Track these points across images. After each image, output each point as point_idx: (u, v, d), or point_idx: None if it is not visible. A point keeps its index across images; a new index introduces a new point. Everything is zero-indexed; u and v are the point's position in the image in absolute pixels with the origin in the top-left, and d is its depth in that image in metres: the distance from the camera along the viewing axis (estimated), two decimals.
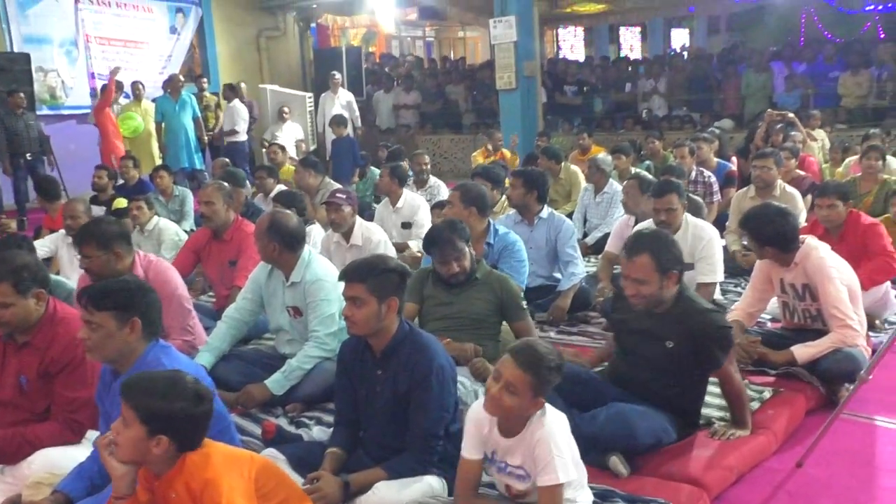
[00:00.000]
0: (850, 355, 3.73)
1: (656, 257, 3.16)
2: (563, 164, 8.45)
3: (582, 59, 19.39)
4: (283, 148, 9.85)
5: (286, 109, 12.05)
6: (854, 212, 5.07)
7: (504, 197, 6.55)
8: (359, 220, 5.39)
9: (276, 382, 3.78)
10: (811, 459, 3.27)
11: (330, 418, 3.51)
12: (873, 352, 3.68)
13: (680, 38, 22.51)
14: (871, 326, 4.47)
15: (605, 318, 4.88)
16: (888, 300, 4.89)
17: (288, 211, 4.25)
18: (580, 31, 21.93)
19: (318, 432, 3.42)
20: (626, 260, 3.24)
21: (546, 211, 5.35)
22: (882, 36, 16.04)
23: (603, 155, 7.96)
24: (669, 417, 3.20)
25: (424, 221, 6.51)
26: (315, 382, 3.77)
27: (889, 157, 7.61)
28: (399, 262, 2.99)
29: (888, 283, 4.94)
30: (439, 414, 2.85)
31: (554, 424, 2.54)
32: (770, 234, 3.95)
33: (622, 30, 21.98)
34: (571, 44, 22.27)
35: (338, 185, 7.03)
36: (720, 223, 6.84)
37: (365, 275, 2.83)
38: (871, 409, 3.77)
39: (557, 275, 5.34)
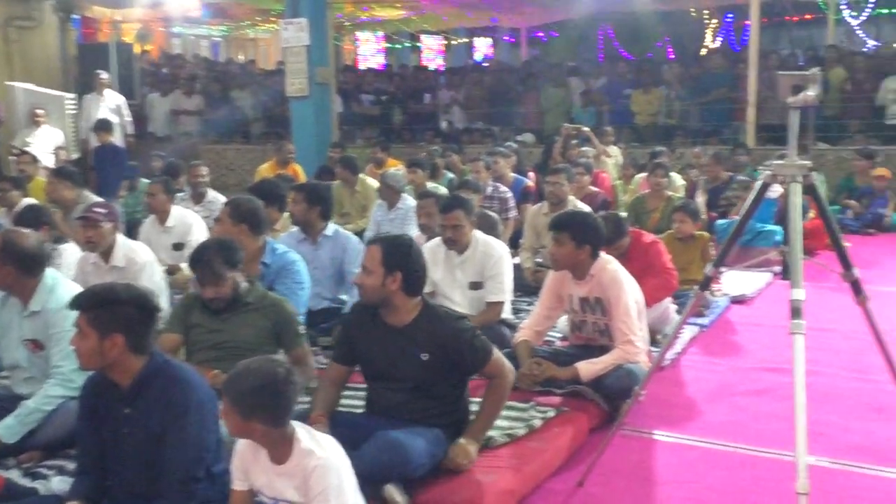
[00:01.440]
0: (631, 371, 4.02)
1: (385, 252, 3.29)
2: (359, 176, 8.52)
3: (381, 67, 19.70)
4: (34, 157, 9.19)
5: (40, 112, 11.26)
6: (635, 230, 5.51)
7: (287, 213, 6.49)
8: (121, 238, 5.13)
9: (7, 428, 3.50)
10: (591, 478, 3.49)
11: (74, 466, 3.30)
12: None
13: (483, 49, 23.48)
14: (654, 342, 4.85)
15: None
16: (668, 315, 5.35)
17: (25, 230, 3.97)
18: (380, 38, 22.30)
19: (59, 483, 3.22)
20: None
21: (331, 228, 5.36)
22: (671, 56, 17.57)
23: (394, 170, 8.10)
24: (439, 433, 3.31)
25: (200, 241, 6.30)
26: (57, 426, 3.54)
27: (673, 174, 8.34)
28: (142, 293, 2.84)
29: (669, 299, 5.40)
30: (198, 454, 2.76)
31: (329, 451, 2.57)
32: (590, 231, 4.23)
33: (425, 38, 22.59)
34: (371, 51, 22.59)
35: (99, 199, 6.65)
36: (517, 239, 7.18)
37: (87, 305, 2.73)
38: (650, 424, 4.09)
39: (344, 297, 5.36)
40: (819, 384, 4.43)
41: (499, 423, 3.65)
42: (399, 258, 3.28)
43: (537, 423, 3.82)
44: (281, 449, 2.59)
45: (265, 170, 9.87)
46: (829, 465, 3.60)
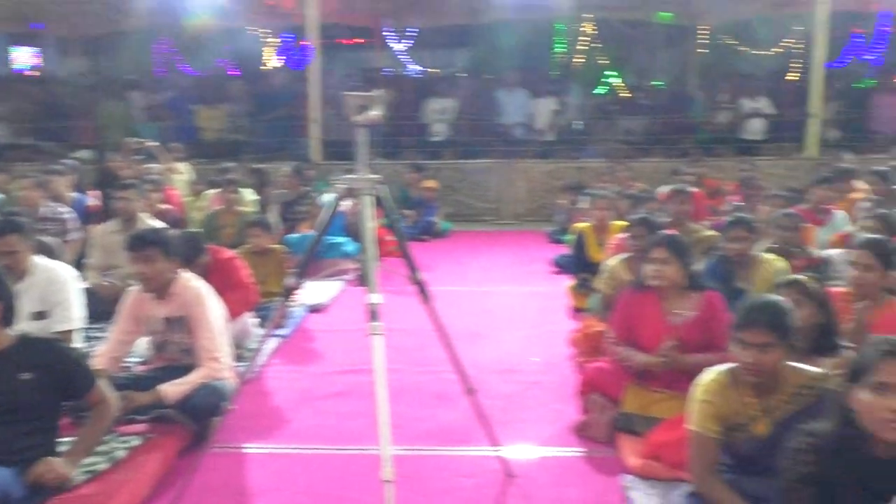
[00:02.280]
0: (217, 388, 4.00)
1: None
2: None
3: None
4: None
5: None
6: (213, 247, 5.49)
7: None
8: None
9: None
10: (184, 500, 3.41)
11: None
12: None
13: (27, 58, 21.39)
14: (236, 357, 4.86)
15: None
16: (248, 329, 5.42)
17: None
18: None
19: None
20: None
21: None
22: (234, 72, 17.68)
23: None
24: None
25: None
26: None
27: (243, 190, 8.44)
28: None
29: (249, 313, 5.47)
30: None
31: None
32: (176, 247, 4.22)
33: None
34: None
35: None
36: (81, 261, 6.69)
37: None
38: (240, 438, 4.11)
39: None
40: (392, 380, 4.80)
41: None
42: None
43: (121, 454, 3.62)
44: None
45: None
46: (407, 452, 3.93)
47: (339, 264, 7.76)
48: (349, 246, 7.95)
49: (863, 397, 2.25)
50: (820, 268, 5.27)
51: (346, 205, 4.29)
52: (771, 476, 2.59)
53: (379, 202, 3.18)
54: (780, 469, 2.39)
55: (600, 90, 14.54)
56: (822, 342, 3.62)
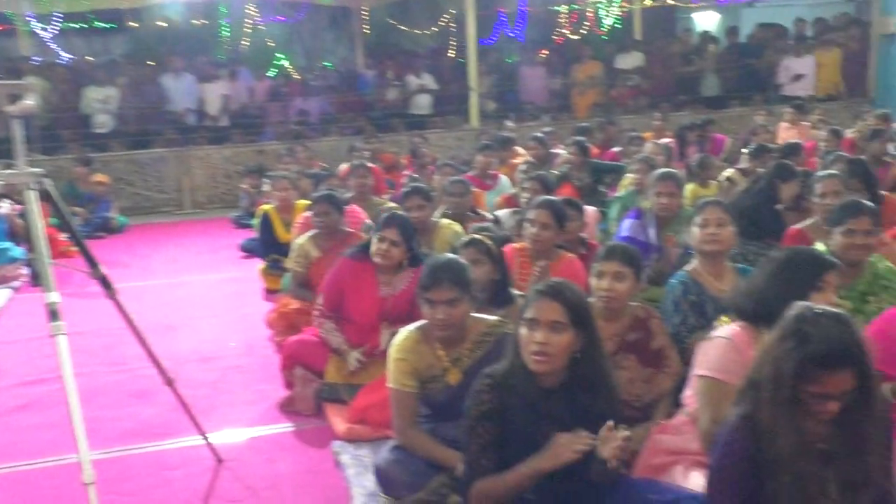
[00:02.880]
0: None
1: None
2: None
3: None
4: None
5: None
6: None
7: None
8: None
9: None
10: None
11: None
12: None
13: None
14: None
15: None
16: None
17: None
18: None
19: None
20: None
21: None
22: None
23: None
24: None
25: None
26: None
27: None
28: None
29: None
30: None
31: None
32: None
33: None
34: None
35: None
36: None
37: None
38: None
39: None
40: (84, 384, 4.52)
41: None
42: None
43: None
44: None
45: None
46: (109, 454, 3.76)
47: (4, 271, 7.09)
48: (14, 251, 7.27)
49: (519, 332, 2.55)
50: (491, 228, 5.75)
51: (4, 208, 3.94)
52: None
53: (45, 197, 2.96)
54: (465, 410, 2.61)
55: (271, 73, 14.51)
56: (498, 294, 3.98)
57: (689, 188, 7.16)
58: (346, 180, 7.17)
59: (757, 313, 2.79)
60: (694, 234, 3.84)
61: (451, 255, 3.41)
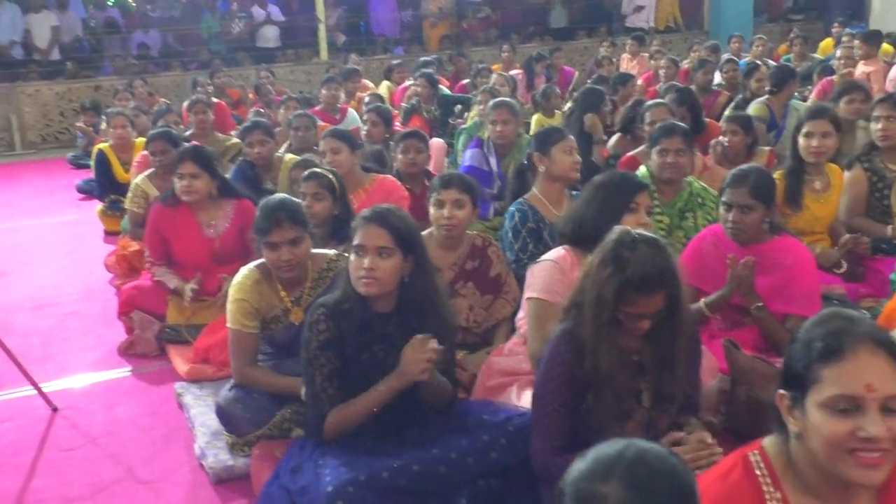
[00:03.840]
0: None
1: None
2: None
3: None
4: None
5: None
6: None
7: None
8: None
9: None
10: None
11: None
12: None
13: None
14: None
15: None
16: None
17: None
18: None
19: None
20: None
21: None
22: None
23: None
24: None
25: None
26: None
27: None
28: None
29: None
30: None
31: None
32: None
33: None
34: None
35: None
36: None
37: None
38: None
39: None
40: None
41: None
42: None
43: None
44: None
45: None
46: None
47: None
48: None
49: (350, 259, 2.56)
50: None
51: None
52: None
53: None
54: (303, 342, 2.61)
55: (108, 3, 13.68)
56: (339, 229, 3.94)
57: (535, 118, 7.35)
58: (187, 117, 6.92)
59: (577, 236, 2.91)
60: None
61: (282, 195, 3.31)
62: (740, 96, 6.83)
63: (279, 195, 3.32)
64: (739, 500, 1.56)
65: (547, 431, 2.33)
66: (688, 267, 3.21)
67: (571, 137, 3.93)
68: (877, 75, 7.37)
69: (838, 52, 7.63)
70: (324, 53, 12.21)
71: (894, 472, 1.51)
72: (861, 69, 7.47)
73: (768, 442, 1.63)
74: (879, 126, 4.28)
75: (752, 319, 3.13)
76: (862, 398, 1.45)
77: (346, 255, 3.30)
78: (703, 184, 4.05)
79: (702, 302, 3.14)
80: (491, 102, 5.36)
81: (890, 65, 7.91)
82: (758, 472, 1.58)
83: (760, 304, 3.07)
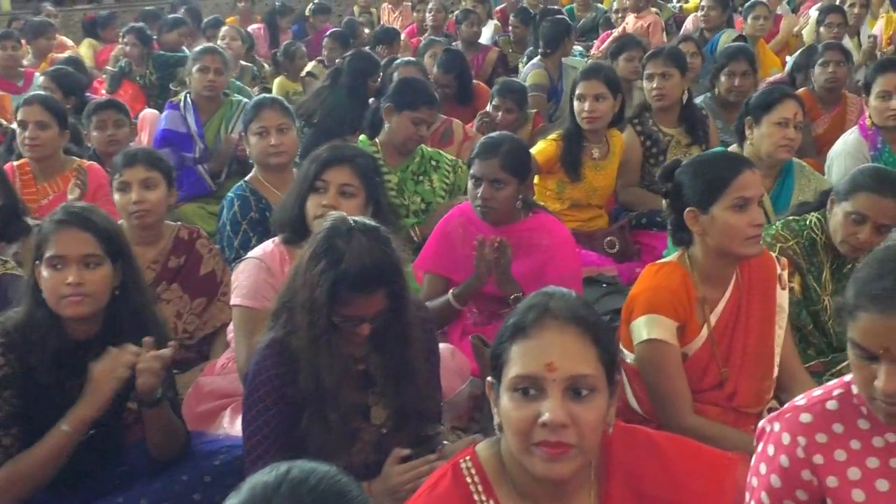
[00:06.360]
0: None
1: None
2: None
3: None
4: None
5: None
6: None
7: None
8: None
9: None
10: None
11: None
12: None
13: None
14: None
15: None
16: None
17: None
18: None
19: None
20: None
21: None
22: None
23: None
24: None
25: None
26: None
27: None
28: None
29: None
30: None
31: None
32: None
33: None
34: None
35: None
36: None
37: None
38: None
39: None
40: None
41: None
42: None
43: None
44: None
45: None
46: None
47: None
48: None
49: (46, 275, 2.33)
50: None
51: None
52: None
53: None
54: None
55: None
56: (8, 225, 3.62)
57: (278, 82, 7.22)
58: None
59: (280, 224, 2.84)
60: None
61: None
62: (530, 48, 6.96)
63: None
64: None
65: (259, 462, 2.23)
66: (435, 254, 3.25)
67: None
68: (654, 28, 7.74)
69: (614, 4, 8.01)
70: (6, 2, 11.45)
71: (615, 474, 1.57)
72: (636, 22, 7.82)
73: (482, 446, 1.65)
74: (654, 84, 4.49)
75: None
76: (543, 378, 1.48)
77: (10, 262, 3.07)
78: (435, 148, 4.29)
79: (450, 293, 3.16)
80: (199, 48, 5.26)
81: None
82: (468, 479, 1.60)
83: (519, 293, 3.08)
